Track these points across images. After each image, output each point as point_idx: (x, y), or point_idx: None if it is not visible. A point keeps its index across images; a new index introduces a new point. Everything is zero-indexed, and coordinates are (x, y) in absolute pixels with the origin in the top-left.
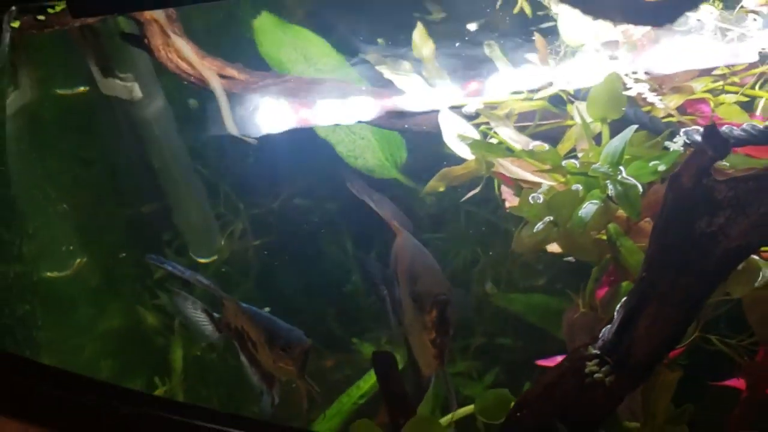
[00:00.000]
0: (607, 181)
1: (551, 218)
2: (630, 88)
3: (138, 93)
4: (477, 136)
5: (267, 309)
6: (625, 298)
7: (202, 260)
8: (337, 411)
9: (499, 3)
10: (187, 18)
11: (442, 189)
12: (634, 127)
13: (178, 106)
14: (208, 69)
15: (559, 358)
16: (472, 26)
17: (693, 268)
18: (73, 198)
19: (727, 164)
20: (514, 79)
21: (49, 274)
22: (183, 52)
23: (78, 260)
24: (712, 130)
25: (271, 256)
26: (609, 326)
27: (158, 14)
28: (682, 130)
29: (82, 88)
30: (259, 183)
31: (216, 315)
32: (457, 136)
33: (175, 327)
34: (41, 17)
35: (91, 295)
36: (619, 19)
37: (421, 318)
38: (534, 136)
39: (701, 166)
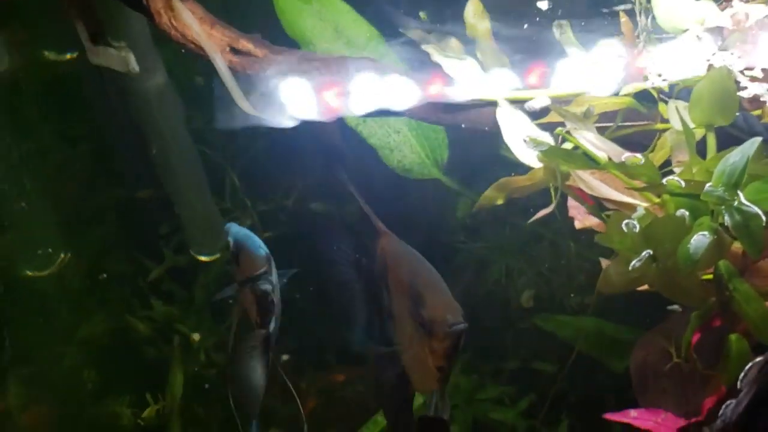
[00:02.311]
0: (722, 207)
1: (650, 252)
2: (745, 88)
3: (134, 65)
4: (547, 138)
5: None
6: (754, 368)
7: (204, 258)
8: None
9: None
10: None
11: (500, 202)
12: (759, 139)
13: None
14: (211, 42)
15: (633, 413)
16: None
17: None
18: (57, 184)
19: None
20: (592, 70)
21: (28, 273)
22: (183, 18)
23: (61, 257)
24: None
25: (282, 258)
26: (732, 403)
27: None
28: None
29: (68, 55)
30: (273, 176)
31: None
32: (526, 139)
33: (174, 342)
34: None
35: (74, 296)
36: None
37: (428, 343)
38: (613, 141)
39: None
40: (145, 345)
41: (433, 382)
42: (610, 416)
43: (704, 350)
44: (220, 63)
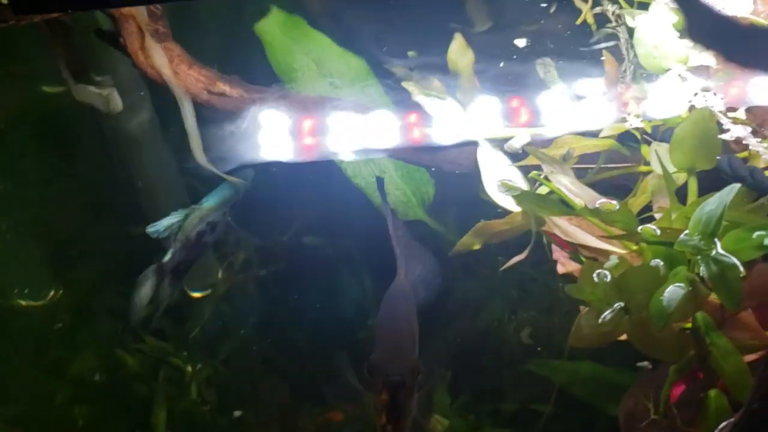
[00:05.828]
0: (698, 257)
1: (622, 304)
2: (727, 130)
3: (117, 102)
4: (522, 181)
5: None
6: (725, 429)
7: (196, 294)
8: None
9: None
10: (177, 15)
11: (477, 247)
12: (737, 186)
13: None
14: (180, 86)
15: None
16: (520, 42)
17: None
18: (46, 220)
19: None
20: (574, 110)
21: (21, 302)
22: (154, 60)
23: (51, 292)
24: None
25: (276, 294)
26: None
27: (136, 10)
28: None
29: (55, 89)
30: (267, 212)
31: None
32: (500, 185)
33: (159, 378)
34: None
35: (65, 332)
36: None
37: (371, 395)
38: (595, 184)
39: None
40: (136, 382)
41: None
42: None
43: (684, 406)
44: (187, 108)
